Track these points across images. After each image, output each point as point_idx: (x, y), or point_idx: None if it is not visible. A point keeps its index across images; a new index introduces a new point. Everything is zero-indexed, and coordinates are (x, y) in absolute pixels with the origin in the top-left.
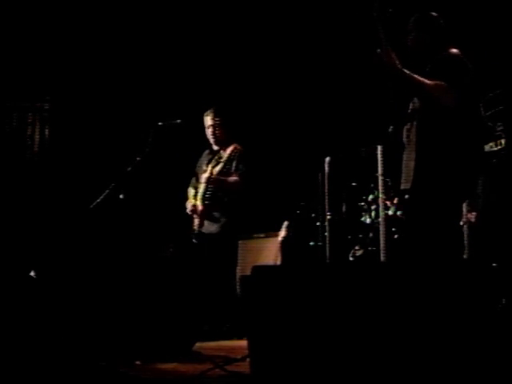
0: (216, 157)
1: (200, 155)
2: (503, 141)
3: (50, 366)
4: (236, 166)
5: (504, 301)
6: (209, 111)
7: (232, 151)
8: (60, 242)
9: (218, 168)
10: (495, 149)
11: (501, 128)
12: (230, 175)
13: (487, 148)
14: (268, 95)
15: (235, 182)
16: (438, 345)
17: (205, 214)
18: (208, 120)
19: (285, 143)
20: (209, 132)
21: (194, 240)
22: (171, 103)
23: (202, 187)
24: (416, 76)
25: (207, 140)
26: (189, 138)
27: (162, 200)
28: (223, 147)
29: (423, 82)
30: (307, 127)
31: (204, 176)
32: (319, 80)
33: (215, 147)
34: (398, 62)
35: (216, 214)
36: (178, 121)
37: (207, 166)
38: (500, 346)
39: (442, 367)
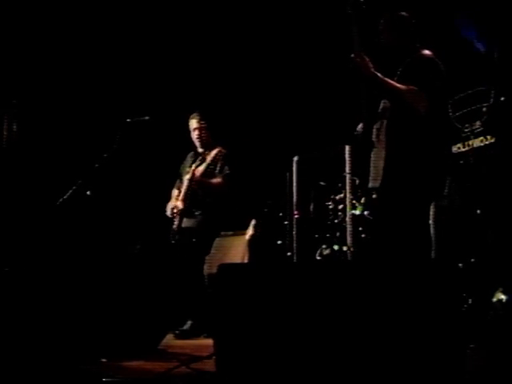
0: (200, 157)
1: (170, 153)
2: (489, 137)
3: (14, 364)
4: (220, 168)
5: (470, 300)
6: (194, 114)
7: (217, 153)
8: (26, 238)
9: (201, 168)
10: (462, 150)
11: (469, 129)
12: (214, 176)
13: (454, 149)
14: (236, 94)
15: (218, 184)
16: (404, 344)
17: (185, 213)
18: (193, 123)
19: (253, 142)
20: (194, 135)
21: (172, 240)
22: (139, 100)
23: (184, 187)
24: (390, 81)
25: (191, 142)
26: (157, 135)
27: (129, 197)
28: (208, 150)
29: (396, 87)
30: (276, 126)
31: (187, 176)
32: (287, 79)
33: (200, 150)
34: (371, 66)
35: (196, 212)
36: (146, 118)
37: (190, 167)
38: (466, 344)
39: (408, 366)
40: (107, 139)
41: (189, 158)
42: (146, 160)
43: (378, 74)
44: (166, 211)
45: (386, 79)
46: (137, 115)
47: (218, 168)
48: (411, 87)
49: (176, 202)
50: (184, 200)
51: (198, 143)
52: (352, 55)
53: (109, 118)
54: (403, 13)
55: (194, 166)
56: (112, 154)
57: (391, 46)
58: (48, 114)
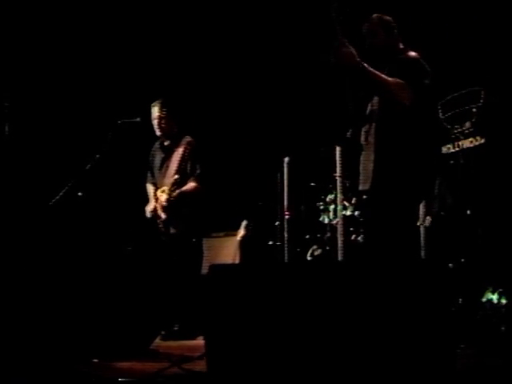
0: (167, 152)
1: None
2: (478, 137)
3: (6, 364)
4: (191, 168)
5: (460, 301)
6: (156, 102)
7: (185, 149)
8: (17, 239)
9: (171, 179)
10: (452, 151)
11: (459, 130)
12: (186, 176)
13: (444, 150)
14: (228, 95)
15: (194, 189)
16: (394, 344)
17: (169, 223)
18: (154, 111)
19: (244, 143)
20: (154, 124)
21: (162, 238)
22: (131, 101)
23: (162, 203)
24: (375, 71)
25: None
26: (148, 136)
27: (120, 198)
28: (172, 140)
29: (382, 78)
30: (267, 127)
31: (162, 197)
32: (279, 80)
33: (166, 142)
34: (357, 55)
35: (181, 222)
36: (138, 119)
37: (161, 167)
38: (456, 344)
39: (399, 366)
40: (98, 140)
41: (156, 149)
42: (137, 161)
43: (364, 64)
44: (145, 213)
45: (372, 70)
46: (128, 116)
47: (188, 167)
48: (397, 80)
49: (156, 205)
50: (165, 211)
51: (158, 133)
52: (336, 44)
53: (100, 120)
54: (386, 15)
55: (166, 189)
56: (103, 155)
57: (376, 48)
58: (40, 115)
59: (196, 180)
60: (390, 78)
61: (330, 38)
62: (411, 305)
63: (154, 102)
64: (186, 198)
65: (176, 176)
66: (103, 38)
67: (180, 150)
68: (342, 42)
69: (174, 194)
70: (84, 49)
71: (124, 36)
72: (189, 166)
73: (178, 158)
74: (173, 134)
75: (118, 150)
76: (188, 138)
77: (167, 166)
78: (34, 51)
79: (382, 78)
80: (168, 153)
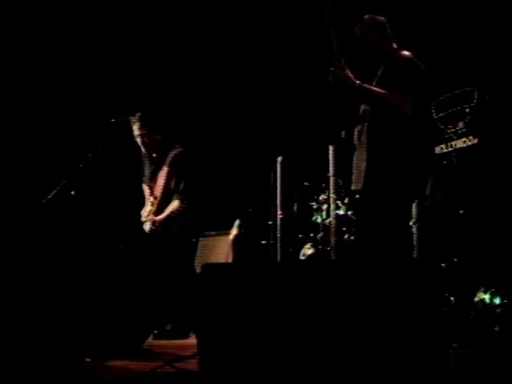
0: (154, 164)
1: None
2: (471, 137)
3: (6, 364)
4: (176, 185)
5: (453, 300)
6: (135, 119)
7: (170, 168)
8: (10, 238)
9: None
10: (445, 150)
11: (452, 130)
12: (171, 193)
13: (438, 150)
14: (222, 95)
15: (177, 209)
16: (386, 344)
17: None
18: (135, 130)
19: (238, 142)
20: (138, 142)
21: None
22: (124, 100)
23: (147, 228)
24: (372, 88)
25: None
26: None
27: (113, 196)
28: (159, 152)
29: (381, 94)
30: (260, 126)
31: (147, 226)
32: (273, 80)
33: (153, 154)
34: (352, 76)
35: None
36: (131, 118)
37: (151, 179)
38: (448, 344)
39: (391, 366)
40: (92, 139)
41: (146, 161)
42: (130, 160)
43: (360, 84)
44: (141, 216)
45: (369, 87)
46: (121, 115)
47: (173, 184)
48: (394, 90)
49: (151, 208)
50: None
51: (143, 150)
52: (332, 68)
53: (93, 118)
54: (378, 16)
55: (149, 218)
56: (96, 154)
57: (370, 49)
58: (33, 113)
59: (179, 197)
60: (387, 92)
61: (325, 40)
62: (404, 304)
63: (147, 100)
64: (171, 219)
65: (154, 206)
66: (97, 36)
67: (165, 169)
68: (339, 65)
69: (157, 223)
70: (77, 47)
71: (118, 34)
72: (173, 183)
73: (164, 177)
74: (158, 146)
75: (111, 148)
76: (175, 150)
77: (155, 181)
78: (27, 50)
79: (380, 93)
80: (156, 166)
